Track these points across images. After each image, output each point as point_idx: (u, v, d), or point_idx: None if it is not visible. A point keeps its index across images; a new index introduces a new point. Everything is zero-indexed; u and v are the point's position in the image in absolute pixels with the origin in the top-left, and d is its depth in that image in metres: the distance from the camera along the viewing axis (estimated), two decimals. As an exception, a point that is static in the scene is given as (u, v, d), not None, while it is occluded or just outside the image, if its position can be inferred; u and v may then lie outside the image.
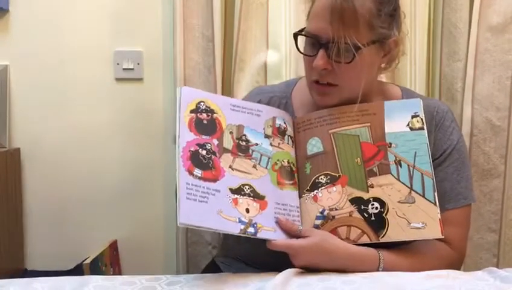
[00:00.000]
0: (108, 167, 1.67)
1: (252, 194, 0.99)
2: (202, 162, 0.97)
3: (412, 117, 1.04)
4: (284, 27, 1.51)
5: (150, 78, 1.65)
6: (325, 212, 1.01)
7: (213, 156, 0.99)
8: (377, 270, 0.97)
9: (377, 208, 1.00)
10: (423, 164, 1.01)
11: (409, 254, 1.01)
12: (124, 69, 1.63)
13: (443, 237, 0.98)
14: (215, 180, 0.97)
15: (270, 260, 0.96)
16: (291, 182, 1.05)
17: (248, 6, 1.51)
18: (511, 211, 1.53)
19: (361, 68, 1.03)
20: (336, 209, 1.01)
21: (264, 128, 1.07)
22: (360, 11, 1.00)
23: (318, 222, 1.01)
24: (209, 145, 1.00)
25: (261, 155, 1.04)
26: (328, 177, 1.04)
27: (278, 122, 1.08)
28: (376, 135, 1.04)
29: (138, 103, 1.65)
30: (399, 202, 0.99)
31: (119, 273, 1.66)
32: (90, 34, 1.63)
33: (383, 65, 1.11)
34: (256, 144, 1.04)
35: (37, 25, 1.62)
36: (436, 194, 0.99)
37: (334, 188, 1.03)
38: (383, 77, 1.36)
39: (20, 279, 0.93)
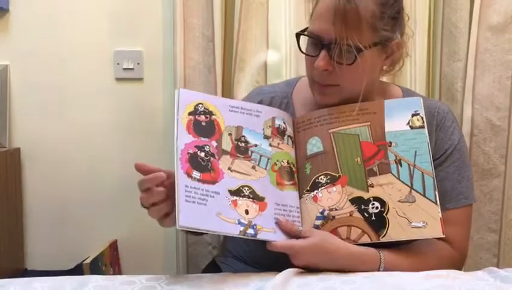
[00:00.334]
0: (108, 167, 1.67)
1: (251, 196, 0.99)
2: (201, 164, 0.97)
3: (412, 116, 1.04)
4: (284, 27, 1.51)
5: (150, 78, 1.65)
6: (325, 213, 1.01)
7: (212, 158, 0.99)
8: (378, 270, 0.97)
9: (377, 207, 1.00)
10: (423, 162, 1.00)
11: (410, 253, 1.01)
12: (124, 69, 1.63)
13: (444, 236, 0.97)
14: (214, 182, 0.97)
15: (270, 259, 0.96)
16: (291, 182, 1.04)
17: (248, 6, 1.51)
18: (511, 211, 1.53)
19: (362, 70, 1.03)
20: (336, 210, 1.01)
21: (263, 129, 1.06)
22: (363, 13, 1.00)
23: (318, 222, 1.01)
24: (208, 147, 0.99)
25: (260, 156, 1.04)
26: (328, 177, 1.03)
27: (278, 122, 1.08)
28: (376, 134, 1.04)
29: (138, 102, 1.65)
30: (399, 201, 0.99)
31: (119, 273, 1.66)
32: (90, 34, 1.63)
33: (385, 67, 1.11)
34: (256, 145, 1.04)
35: (38, 25, 1.62)
36: (436, 193, 0.98)
37: (334, 188, 1.02)
38: (383, 77, 1.36)
39: (20, 279, 0.93)
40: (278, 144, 1.06)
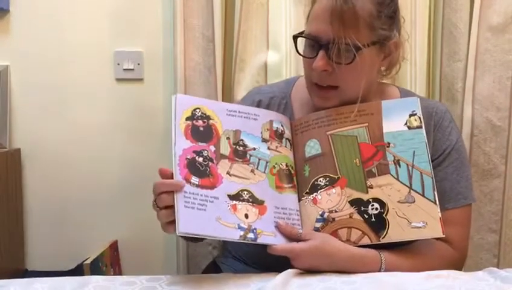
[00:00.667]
0: (108, 167, 1.67)
1: (250, 200, 0.98)
2: (199, 169, 0.97)
3: (410, 116, 1.04)
4: (285, 27, 1.51)
5: (150, 79, 1.65)
6: (325, 215, 1.01)
7: (210, 163, 0.98)
8: (379, 271, 0.97)
9: (376, 208, 1.00)
10: (422, 162, 1.00)
11: (410, 254, 1.01)
12: (124, 69, 1.63)
13: (444, 235, 0.97)
14: (213, 187, 0.96)
15: (270, 260, 0.96)
16: (290, 185, 1.04)
17: (248, 7, 1.51)
18: (512, 211, 1.53)
19: (361, 69, 1.03)
20: (336, 212, 1.01)
21: (261, 132, 1.06)
22: (360, 12, 1.00)
23: (318, 224, 1.01)
24: (206, 152, 0.99)
25: (259, 160, 1.03)
26: (327, 179, 1.03)
27: (275, 125, 1.08)
28: (374, 135, 1.04)
29: (138, 103, 1.65)
30: (399, 202, 0.99)
31: (120, 273, 1.66)
32: (90, 35, 1.63)
33: (383, 68, 1.11)
34: (254, 149, 1.04)
35: (38, 26, 1.62)
36: (436, 193, 0.98)
37: (334, 190, 1.02)
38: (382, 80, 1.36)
39: (21, 279, 0.93)
40: (276, 147, 1.06)
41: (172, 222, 0.91)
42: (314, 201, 1.02)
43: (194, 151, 0.98)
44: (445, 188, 1.07)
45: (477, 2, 1.44)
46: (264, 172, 1.03)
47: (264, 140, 1.05)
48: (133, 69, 1.63)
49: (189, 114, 1.01)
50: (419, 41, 1.50)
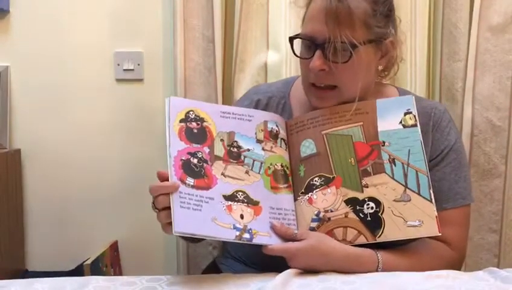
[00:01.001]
0: (108, 168, 1.67)
1: (245, 200, 0.98)
2: (194, 170, 0.97)
3: (405, 114, 1.03)
4: (284, 27, 1.51)
5: (150, 79, 1.65)
6: (321, 215, 1.01)
7: (205, 164, 0.99)
8: (376, 271, 0.97)
9: (372, 207, 0.99)
10: (417, 161, 1.00)
11: (408, 254, 1.01)
12: (124, 69, 1.64)
13: (440, 234, 0.97)
14: (208, 188, 0.97)
15: (270, 260, 0.96)
16: (285, 185, 1.04)
17: (248, 7, 1.51)
18: (512, 211, 1.53)
19: (358, 68, 1.02)
20: (331, 211, 1.01)
21: (255, 133, 1.06)
22: (355, 11, 1.00)
23: (314, 224, 1.01)
24: (200, 153, 0.99)
25: (253, 161, 1.03)
26: (323, 179, 1.03)
27: (270, 126, 1.08)
28: (369, 134, 1.04)
29: (138, 103, 1.65)
30: (394, 200, 0.99)
31: (120, 274, 1.66)
32: (90, 35, 1.63)
33: (380, 67, 1.11)
34: (248, 150, 1.04)
35: (38, 26, 1.62)
36: (431, 191, 0.98)
37: (329, 190, 1.02)
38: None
39: (21, 279, 0.93)
40: (271, 147, 1.06)
41: (171, 223, 0.91)
42: (310, 201, 1.02)
43: (189, 153, 0.98)
44: (443, 188, 1.07)
45: (477, 2, 1.44)
46: (259, 173, 1.03)
47: (259, 141, 1.06)
48: (133, 70, 1.64)
49: (182, 116, 1.02)
50: (419, 41, 1.50)
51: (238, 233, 0.94)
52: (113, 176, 1.67)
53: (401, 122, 1.03)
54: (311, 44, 1.04)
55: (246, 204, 0.98)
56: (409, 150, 1.01)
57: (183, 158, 0.97)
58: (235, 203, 0.97)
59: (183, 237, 1.02)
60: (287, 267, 0.95)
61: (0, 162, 1.54)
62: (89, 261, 1.46)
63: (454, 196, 1.07)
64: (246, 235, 0.95)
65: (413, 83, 1.52)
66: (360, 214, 1.00)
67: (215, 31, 1.51)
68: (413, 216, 0.97)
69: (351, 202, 1.01)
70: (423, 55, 1.52)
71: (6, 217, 1.57)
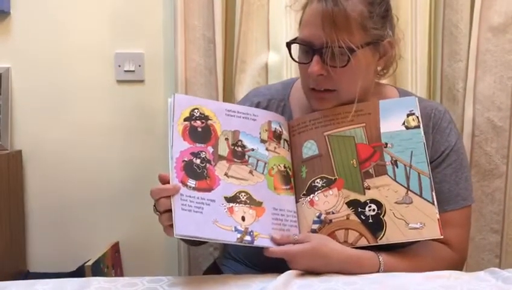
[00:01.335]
0: (109, 169, 1.67)
1: (248, 201, 0.98)
2: (196, 171, 0.96)
3: (408, 115, 1.03)
4: (285, 28, 1.51)
5: (151, 80, 1.65)
6: (322, 217, 1.00)
7: (208, 165, 0.98)
8: (377, 273, 0.97)
9: (374, 209, 0.99)
10: (420, 163, 0.99)
11: (409, 256, 1.00)
12: (125, 71, 1.64)
13: (442, 236, 0.96)
14: (209, 189, 0.96)
15: (271, 261, 0.96)
16: (287, 186, 1.04)
17: (249, 8, 1.51)
18: (513, 211, 1.53)
19: (357, 71, 1.02)
20: (333, 213, 1.00)
21: (260, 133, 1.05)
22: (351, 14, 0.99)
23: (315, 226, 1.00)
24: (204, 153, 0.99)
25: (258, 160, 1.03)
26: (324, 180, 1.03)
27: (274, 126, 1.07)
28: (371, 135, 1.03)
29: (139, 104, 1.65)
30: (396, 202, 0.99)
31: (121, 275, 1.66)
32: (91, 36, 1.63)
33: (379, 68, 1.11)
34: (252, 149, 1.03)
35: (39, 28, 1.62)
36: (433, 193, 0.98)
37: (331, 192, 1.02)
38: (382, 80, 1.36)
39: (22, 281, 0.93)
40: (275, 148, 1.05)
41: (173, 225, 0.91)
42: (311, 203, 1.02)
43: (192, 153, 0.98)
44: (444, 190, 1.06)
45: (477, 3, 1.44)
46: (263, 173, 1.02)
47: (263, 141, 1.05)
48: (133, 71, 1.64)
49: (187, 114, 1.01)
50: (420, 42, 1.50)
51: (239, 235, 0.94)
52: (114, 177, 1.67)
53: (403, 123, 1.02)
54: (308, 49, 1.03)
55: (248, 205, 0.98)
56: (412, 152, 1.00)
57: (186, 159, 0.97)
58: (237, 204, 0.97)
59: (184, 240, 1.02)
60: (288, 268, 0.94)
61: (2, 163, 1.54)
62: (90, 263, 1.46)
63: (455, 198, 1.07)
64: (247, 238, 0.95)
65: (413, 83, 1.51)
66: (362, 216, 0.99)
67: (215, 32, 1.51)
68: (414, 218, 0.97)
69: (353, 204, 1.00)
70: (424, 55, 1.52)
71: (8, 218, 1.57)
